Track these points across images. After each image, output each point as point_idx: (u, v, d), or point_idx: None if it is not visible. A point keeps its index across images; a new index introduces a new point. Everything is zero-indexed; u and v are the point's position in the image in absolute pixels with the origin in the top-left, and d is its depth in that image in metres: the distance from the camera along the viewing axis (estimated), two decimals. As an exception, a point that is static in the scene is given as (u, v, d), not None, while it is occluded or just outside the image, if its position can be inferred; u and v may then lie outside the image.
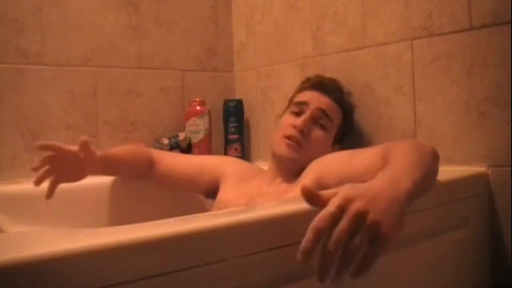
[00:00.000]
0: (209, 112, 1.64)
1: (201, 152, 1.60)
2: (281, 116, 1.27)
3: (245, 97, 1.75)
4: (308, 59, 1.53)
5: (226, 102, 1.72)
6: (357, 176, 0.98)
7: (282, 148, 1.16)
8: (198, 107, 1.63)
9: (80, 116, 1.49)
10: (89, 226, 1.13)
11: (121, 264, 0.57)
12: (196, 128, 1.62)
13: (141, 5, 1.62)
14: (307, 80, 1.30)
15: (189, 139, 1.59)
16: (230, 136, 1.70)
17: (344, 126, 1.26)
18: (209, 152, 1.63)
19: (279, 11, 1.64)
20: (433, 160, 0.87)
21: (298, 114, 1.20)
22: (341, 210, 0.62)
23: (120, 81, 1.58)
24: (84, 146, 1.11)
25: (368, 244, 0.62)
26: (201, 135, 1.62)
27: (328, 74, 1.32)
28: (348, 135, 1.29)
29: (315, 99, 1.21)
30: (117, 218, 1.30)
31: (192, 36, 1.73)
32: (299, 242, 0.63)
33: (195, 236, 0.64)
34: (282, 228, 0.73)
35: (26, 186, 1.31)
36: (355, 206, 0.62)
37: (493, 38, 1.10)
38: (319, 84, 1.26)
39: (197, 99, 1.64)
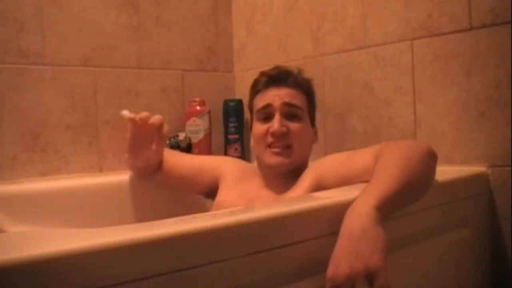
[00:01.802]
0: (209, 112, 1.64)
1: (201, 152, 1.60)
2: (250, 128, 1.24)
3: (245, 97, 1.74)
4: (308, 59, 1.53)
5: (226, 102, 1.72)
6: (356, 177, 0.98)
7: (272, 159, 1.14)
8: (198, 107, 1.63)
9: (80, 116, 1.49)
10: (89, 226, 1.12)
11: (121, 264, 0.57)
12: (196, 128, 1.62)
13: (141, 5, 1.62)
14: (255, 83, 1.23)
15: (189, 139, 1.59)
16: (230, 136, 1.69)
17: (312, 103, 1.22)
18: (209, 152, 1.63)
19: (279, 11, 1.64)
20: (425, 165, 0.88)
21: (267, 118, 1.16)
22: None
23: (120, 81, 1.57)
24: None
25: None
26: (201, 135, 1.62)
27: (328, 74, 1.32)
28: (316, 109, 1.25)
29: (275, 97, 1.16)
30: (117, 218, 1.29)
31: (192, 36, 1.73)
32: (299, 242, 0.63)
33: (195, 236, 0.64)
34: (282, 228, 0.73)
35: (26, 186, 1.31)
36: (340, 280, 0.68)
37: (493, 38, 1.10)
38: (269, 80, 1.19)
39: (197, 99, 1.64)
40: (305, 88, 1.21)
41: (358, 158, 1.01)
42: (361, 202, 0.76)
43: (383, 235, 0.71)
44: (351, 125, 1.39)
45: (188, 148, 1.58)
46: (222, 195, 1.24)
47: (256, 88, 1.22)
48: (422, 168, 0.86)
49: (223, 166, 1.31)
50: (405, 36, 1.27)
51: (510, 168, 1.09)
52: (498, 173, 1.11)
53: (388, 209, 0.77)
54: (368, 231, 0.71)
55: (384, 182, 0.80)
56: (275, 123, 1.13)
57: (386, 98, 1.31)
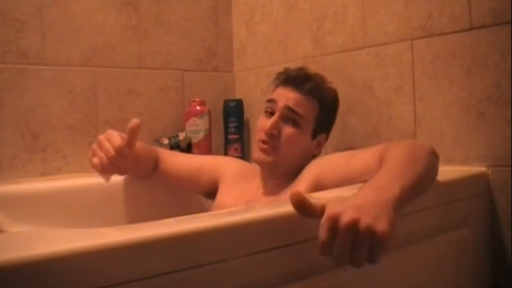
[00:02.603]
0: (209, 112, 1.64)
1: (201, 152, 1.60)
2: None
3: (245, 97, 1.75)
4: (308, 59, 1.53)
5: (226, 102, 1.72)
6: (356, 177, 0.98)
7: (256, 153, 1.15)
8: (198, 107, 1.63)
9: (80, 116, 1.49)
10: (89, 226, 1.12)
11: (121, 264, 0.57)
12: (196, 128, 1.62)
13: (141, 5, 1.62)
14: (277, 77, 1.24)
15: (189, 139, 1.59)
16: (230, 136, 1.70)
17: (324, 115, 1.19)
18: (209, 152, 1.63)
19: (279, 11, 1.64)
20: (429, 161, 0.87)
21: (271, 113, 1.16)
22: (333, 231, 0.63)
23: (120, 81, 1.58)
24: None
25: (369, 248, 0.63)
26: (201, 135, 1.62)
27: (328, 74, 1.32)
28: (334, 121, 1.25)
29: (282, 97, 1.16)
30: (117, 218, 1.30)
31: (192, 36, 1.73)
32: (299, 242, 0.63)
33: (195, 236, 0.64)
34: (282, 228, 0.73)
35: (26, 186, 1.31)
36: (344, 222, 0.63)
37: (493, 38, 1.10)
38: (286, 79, 1.20)
39: (197, 99, 1.64)
40: (320, 98, 1.18)
41: (358, 158, 1.00)
42: (388, 186, 0.71)
43: (395, 224, 0.66)
44: (351, 125, 1.39)
45: (188, 148, 1.58)
46: (222, 195, 1.24)
47: (275, 82, 1.23)
48: (428, 164, 0.86)
49: (223, 166, 1.31)
50: (405, 36, 1.26)
51: (510, 168, 1.09)
52: (498, 173, 1.11)
53: (405, 202, 0.74)
54: (383, 206, 0.66)
55: (398, 176, 0.76)
56: (269, 123, 1.14)
57: (386, 98, 1.31)
